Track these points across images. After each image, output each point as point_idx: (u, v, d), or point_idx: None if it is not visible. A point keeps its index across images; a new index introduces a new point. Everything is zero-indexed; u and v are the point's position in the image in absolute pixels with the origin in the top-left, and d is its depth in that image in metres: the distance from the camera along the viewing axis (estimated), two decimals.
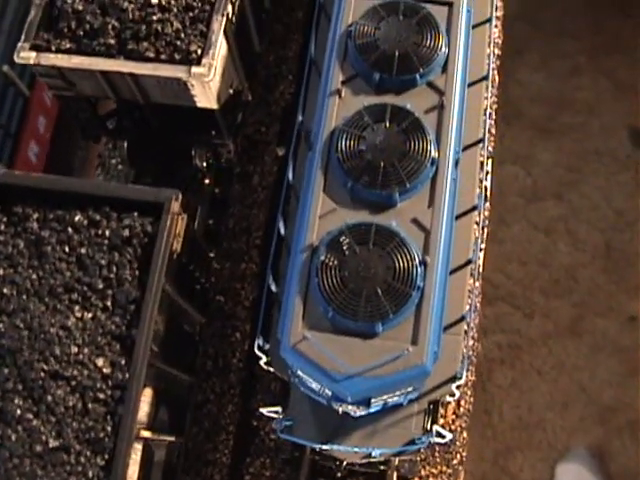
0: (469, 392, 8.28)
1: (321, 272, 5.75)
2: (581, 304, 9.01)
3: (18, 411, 6.10)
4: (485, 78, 7.36)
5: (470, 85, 7.10)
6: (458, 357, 6.33)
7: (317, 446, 6.37)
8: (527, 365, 8.85)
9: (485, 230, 8.84)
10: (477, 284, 8.60)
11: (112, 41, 7.00)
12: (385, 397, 5.98)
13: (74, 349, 6.24)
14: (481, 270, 8.97)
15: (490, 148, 9.49)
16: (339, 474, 7.80)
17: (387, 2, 6.59)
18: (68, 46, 7.05)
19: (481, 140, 7.08)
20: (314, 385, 5.90)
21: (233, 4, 7.39)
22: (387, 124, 6.09)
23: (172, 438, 7.08)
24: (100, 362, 6.24)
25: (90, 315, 6.33)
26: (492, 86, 8.41)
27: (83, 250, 6.51)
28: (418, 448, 6.35)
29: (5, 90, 8.93)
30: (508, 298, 9.22)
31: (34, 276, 6.50)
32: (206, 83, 6.81)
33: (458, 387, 6.33)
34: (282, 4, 9.57)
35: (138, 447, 6.37)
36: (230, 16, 7.30)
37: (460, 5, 6.66)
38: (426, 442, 6.27)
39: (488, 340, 8.84)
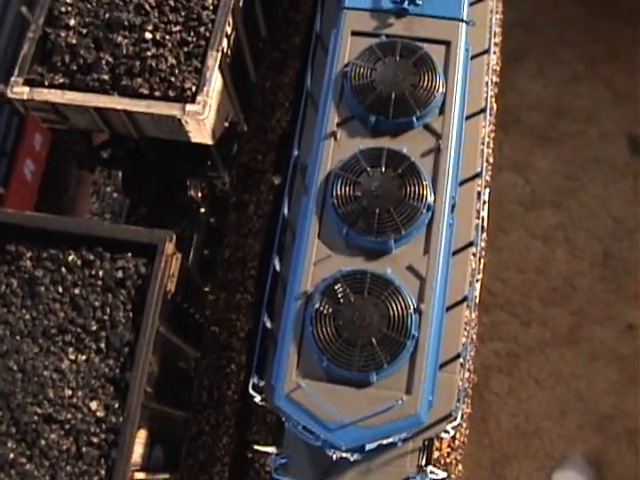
0: (465, 424, 8.26)
1: (316, 321, 5.72)
2: (579, 312, 9.00)
3: (11, 455, 6.09)
4: (483, 110, 7.37)
5: (468, 118, 7.10)
6: (453, 396, 6.30)
7: None
8: (524, 373, 8.83)
9: (482, 261, 8.80)
10: (474, 315, 8.61)
11: (106, 77, 6.94)
12: (379, 442, 5.98)
13: (68, 392, 6.21)
14: (479, 285, 8.98)
15: (489, 160, 9.43)
16: None
17: (384, 42, 6.55)
18: (62, 81, 6.99)
19: (479, 174, 7.09)
20: (308, 431, 5.89)
21: (228, 38, 7.32)
22: (383, 169, 6.04)
23: (167, 476, 7.08)
24: (94, 405, 6.22)
25: (84, 357, 6.30)
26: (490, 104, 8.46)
27: (77, 291, 6.48)
28: None
29: (0, 108, 8.88)
30: (506, 306, 9.20)
31: (27, 316, 6.47)
32: (200, 120, 6.75)
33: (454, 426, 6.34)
34: (279, 30, 9.51)
35: None
36: (225, 50, 7.24)
37: (458, 44, 6.62)
38: None
39: (486, 348, 8.85)
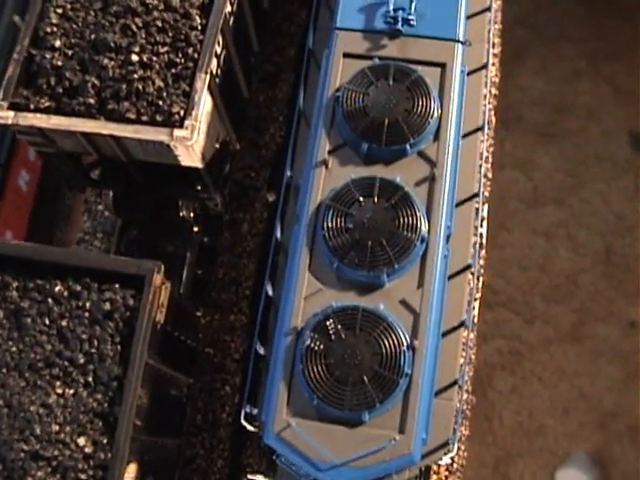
0: (463, 447, 8.11)
1: (306, 358, 5.55)
2: (581, 309, 8.87)
3: None
4: (481, 128, 7.15)
5: (465, 136, 6.88)
6: (450, 424, 6.14)
7: None
8: (527, 371, 8.71)
9: (480, 279, 8.61)
10: (472, 335, 8.42)
11: (92, 100, 6.72)
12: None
13: (55, 428, 6.06)
14: (481, 284, 8.82)
15: (488, 156, 9.25)
16: None
17: (377, 65, 6.34)
18: (47, 104, 6.78)
19: (476, 195, 6.88)
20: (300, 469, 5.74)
21: (218, 57, 7.09)
22: (375, 199, 5.85)
23: None
24: (82, 441, 6.06)
25: (71, 392, 6.13)
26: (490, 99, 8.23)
27: (64, 323, 6.30)
28: None
29: None
30: (508, 304, 9.04)
31: (14, 349, 6.30)
32: (189, 146, 6.54)
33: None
34: (272, 43, 9.28)
35: None
36: (215, 70, 7.01)
37: (453, 65, 6.39)
38: None
39: (488, 346, 8.71)
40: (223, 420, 8.07)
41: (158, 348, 6.49)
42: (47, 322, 6.33)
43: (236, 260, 8.59)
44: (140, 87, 6.71)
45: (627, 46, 9.89)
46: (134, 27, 6.95)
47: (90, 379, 6.16)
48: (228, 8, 7.26)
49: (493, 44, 9.12)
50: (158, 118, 6.61)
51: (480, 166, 7.23)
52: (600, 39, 10.01)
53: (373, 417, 5.44)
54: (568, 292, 8.95)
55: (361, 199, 5.88)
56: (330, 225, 5.84)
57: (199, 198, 7.66)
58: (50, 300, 6.38)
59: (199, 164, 6.89)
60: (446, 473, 7.96)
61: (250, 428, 6.04)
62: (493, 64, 9.42)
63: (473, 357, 8.43)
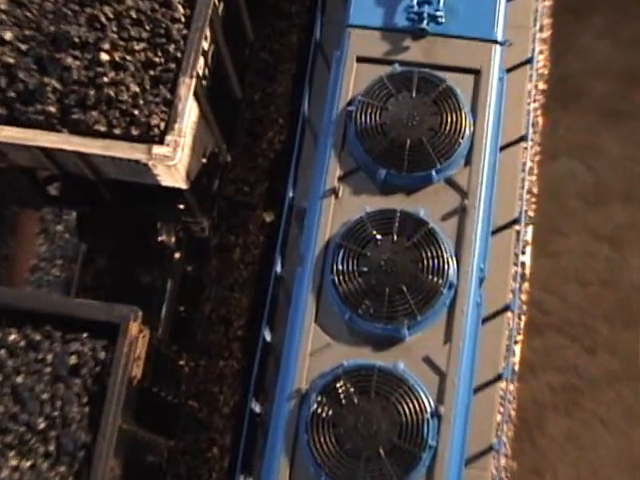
0: None
1: (312, 427, 6.03)
2: None
3: None
4: (524, 138, 7.63)
5: (504, 148, 7.38)
6: None
7: None
8: (588, 413, 8.92)
9: (523, 318, 9.04)
10: (511, 387, 8.87)
11: (52, 108, 7.15)
12: None
13: None
14: (527, 293, 9.23)
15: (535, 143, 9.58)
16: None
17: (397, 72, 6.82)
18: None
19: (516, 220, 7.37)
20: None
21: (205, 55, 7.56)
22: (395, 237, 6.34)
23: None
24: None
25: (28, 464, 6.52)
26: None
27: (20, 379, 6.71)
28: None
29: None
30: (563, 327, 9.37)
31: None
32: (171, 165, 7.01)
33: None
34: (269, 27, 9.75)
35: None
36: (202, 71, 7.49)
37: (490, 72, 6.88)
38: None
39: (537, 380, 8.95)
40: None
41: (134, 409, 6.96)
42: (0, 379, 6.78)
43: (226, 293, 9.03)
44: (111, 93, 7.14)
45: None
46: (103, 18, 7.38)
47: (52, 448, 6.57)
48: None
49: (541, 27, 9.61)
50: (134, 132, 7.06)
51: (523, 180, 7.79)
52: None
53: None
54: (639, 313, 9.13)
55: (378, 236, 6.35)
56: (341, 268, 6.31)
57: (182, 221, 8.18)
58: (3, 352, 6.81)
59: (183, 184, 7.37)
60: None
61: None
62: (541, 52, 9.88)
63: (513, 413, 8.89)
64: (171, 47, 7.34)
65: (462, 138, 6.60)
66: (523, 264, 9.18)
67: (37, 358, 6.79)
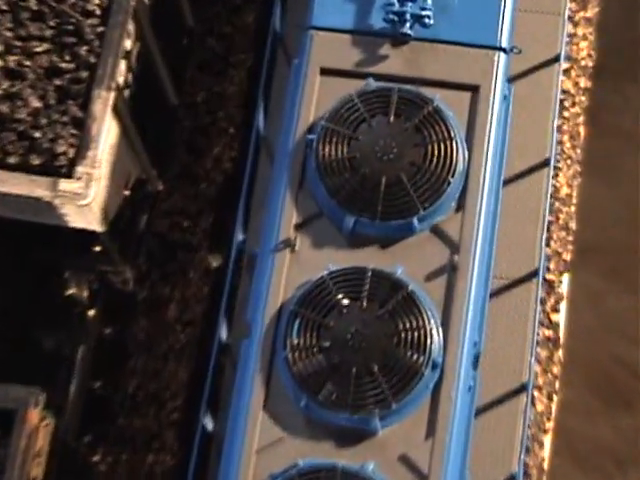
0: None
1: None
2: None
3: None
4: (547, 163, 8.03)
5: (525, 175, 7.85)
6: None
7: None
8: None
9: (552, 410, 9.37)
10: None
11: None
12: None
13: None
14: (560, 365, 9.61)
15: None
16: None
17: (371, 89, 7.14)
18: None
19: (535, 273, 7.73)
20: None
21: (129, 57, 7.93)
22: (364, 303, 6.66)
23: None
24: None
25: None
26: None
27: None
28: None
29: None
30: None
31: None
32: (83, 205, 7.37)
33: None
34: (220, 3, 10.10)
35: None
36: (124, 79, 7.87)
37: (491, 89, 7.24)
38: None
39: None
40: None
41: None
42: None
43: (158, 364, 9.23)
44: (4, 110, 7.50)
45: None
46: None
47: None
48: None
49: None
50: (34, 161, 7.40)
51: (544, 218, 8.05)
52: None
53: None
54: None
55: (344, 302, 6.68)
56: (296, 342, 6.64)
57: (97, 269, 8.54)
58: None
59: (98, 226, 7.76)
60: None
61: None
62: (584, 37, 10.26)
63: None
64: (83, 49, 7.70)
65: (453, 176, 6.93)
66: (555, 327, 9.65)
67: None
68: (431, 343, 6.60)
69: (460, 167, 7.00)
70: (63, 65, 7.68)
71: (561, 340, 9.68)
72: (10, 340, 8.73)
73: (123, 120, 7.90)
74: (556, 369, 9.64)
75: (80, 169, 7.40)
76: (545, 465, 9.39)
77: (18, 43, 7.70)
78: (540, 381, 9.45)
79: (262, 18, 9.74)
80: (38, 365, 7.29)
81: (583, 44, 10.38)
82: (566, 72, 10.14)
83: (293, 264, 6.93)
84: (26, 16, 7.76)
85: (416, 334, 6.62)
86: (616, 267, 10.00)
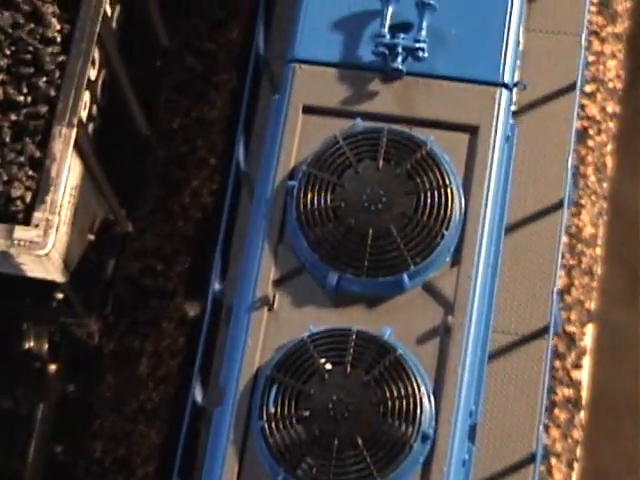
0: None
1: None
2: None
3: None
4: (560, 204, 8.56)
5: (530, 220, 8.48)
6: None
7: None
8: None
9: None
10: None
11: None
12: None
13: None
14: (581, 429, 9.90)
15: None
16: None
17: (359, 130, 7.68)
18: None
19: (546, 329, 8.28)
20: None
21: (92, 86, 8.50)
22: (348, 368, 7.17)
23: None
24: None
25: None
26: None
27: None
28: None
29: None
30: None
31: None
32: (41, 255, 7.94)
33: None
34: (198, 17, 10.61)
35: None
36: (88, 112, 8.46)
37: (492, 130, 7.78)
38: None
39: None
40: None
41: None
42: None
43: (127, 426, 9.57)
44: None
45: None
46: None
47: None
48: None
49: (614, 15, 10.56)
50: None
51: (557, 266, 8.53)
52: None
53: None
54: None
55: (326, 367, 7.18)
56: (273, 411, 7.14)
57: (59, 322, 9.10)
58: None
59: (58, 277, 8.33)
60: None
61: None
62: (613, 55, 10.70)
63: None
64: (42, 81, 8.24)
65: (447, 228, 7.46)
66: (577, 385, 10.01)
67: None
68: (421, 413, 7.08)
69: (456, 218, 7.50)
70: (20, 98, 8.18)
71: (583, 400, 9.94)
72: None
73: (87, 158, 8.46)
74: (577, 433, 9.89)
75: (38, 215, 7.91)
76: None
77: None
78: (559, 447, 9.69)
79: (247, 34, 10.03)
80: None
81: (611, 63, 10.67)
82: (591, 96, 10.46)
83: (271, 324, 7.43)
84: None
85: (405, 403, 7.09)
86: None
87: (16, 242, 7.97)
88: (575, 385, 10.09)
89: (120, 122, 9.44)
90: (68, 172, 8.18)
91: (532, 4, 8.95)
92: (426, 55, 7.88)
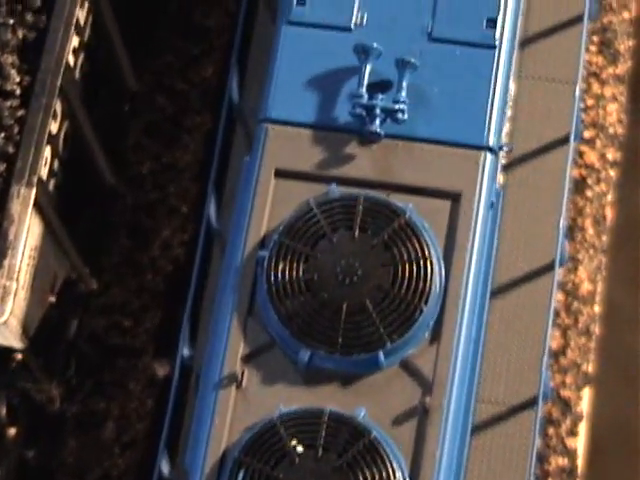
0: None
1: None
2: None
3: None
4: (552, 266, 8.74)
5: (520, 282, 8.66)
6: None
7: None
8: None
9: None
10: None
11: None
12: None
13: None
14: None
15: None
16: None
17: (333, 197, 7.89)
18: None
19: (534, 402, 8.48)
20: None
21: (54, 141, 8.73)
22: (319, 452, 7.38)
23: None
24: None
25: None
26: None
27: None
28: None
29: None
30: None
31: None
32: None
33: None
34: (171, 54, 10.83)
35: None
36: (49, 169, 8.67)
37: (476, 197, 8.00)
38: None
39: None
40: None
41: None
42: None
43: None
44: None
45: None
46: None
47: None
48: (75, 41, 8.88)
49: (615, 56, 10.74)
50: None
51: (547, 331, 8.56)
52: None
53: None
54: None
55: (297, 450, 7.37)
56: None
57: (18, 387, 9.35)
58: None
59: (16, 344, 8.55)
60: None
61: None
62: (614, 97, 10.91)
63: None
64: None
65: (426, 302, 7.67)
66: (572, 454, 10.17)
67: None
68: None
69: (435, 291, 7.69)
70: None
71: (579, 470, 10.11)
72: None
73: (47, 217, 8.66)
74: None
75: None
76: None
77: None
78: None
79: (223, 72, 10.18)
80: None
81: (612, 107, 10.86)
82: (590, 142, 10.59)
83: (239, 403, 7.63)
84: None
85: None
86: None
87: None
88: (570, 454, 10.24)
89: (84, 173, 9.64)
90: (27, 234, 8.37)
91: (525, 50, 9.13)
92: (406, 117, 8.10)
